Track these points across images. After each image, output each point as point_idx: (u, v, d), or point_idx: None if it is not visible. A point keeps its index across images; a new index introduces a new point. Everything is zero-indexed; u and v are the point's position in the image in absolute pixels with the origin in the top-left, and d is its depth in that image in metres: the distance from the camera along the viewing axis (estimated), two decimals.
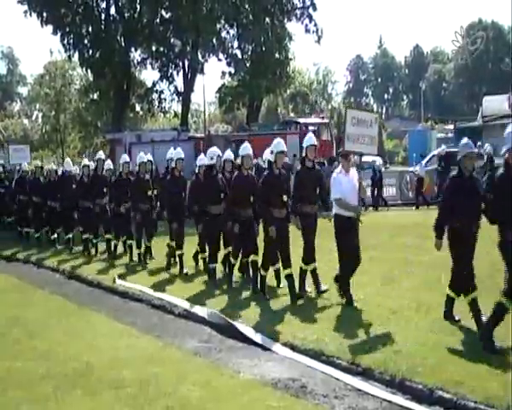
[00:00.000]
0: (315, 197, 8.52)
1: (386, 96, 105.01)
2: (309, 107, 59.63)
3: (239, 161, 9.66)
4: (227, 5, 31.15)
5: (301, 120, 29.73)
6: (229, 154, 10.46)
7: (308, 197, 8.35)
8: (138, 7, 31.71)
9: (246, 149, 9.20)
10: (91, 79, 36.07)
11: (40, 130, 62.07)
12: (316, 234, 8.47)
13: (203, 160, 10.47)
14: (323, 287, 8.44)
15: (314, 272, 8.49)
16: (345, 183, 7.74)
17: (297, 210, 8.38)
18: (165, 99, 34.95)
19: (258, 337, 6.81)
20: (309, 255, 8.40)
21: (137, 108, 37.74)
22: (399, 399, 5.10)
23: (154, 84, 34.89)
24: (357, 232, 7.77)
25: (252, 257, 8.93)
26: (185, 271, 10.58)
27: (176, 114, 37.06)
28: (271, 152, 8.49)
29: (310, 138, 8.51)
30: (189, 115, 39.97)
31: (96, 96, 37.30)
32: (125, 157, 13.19)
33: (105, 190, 13.05)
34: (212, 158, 10.10)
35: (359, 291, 8.03)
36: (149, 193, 12.11)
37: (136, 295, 9.41)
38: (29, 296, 10.10)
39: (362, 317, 7.23)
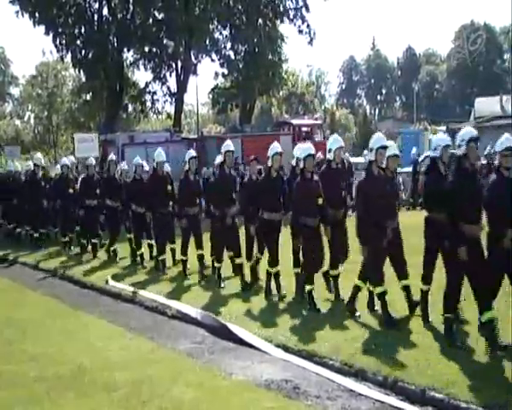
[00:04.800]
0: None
1: (378, 97, 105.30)
2: (303, 108, 59.66)
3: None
4: (220, 6, 31.16)
5: (294, 122, 29.72)
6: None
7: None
8: (131, 8, 31.63)
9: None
10: (84, 79, 35.93)
11: (32, 131, 61.89)
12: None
13: (310, 150, 7.96)
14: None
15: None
16: None
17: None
18: (157, 100, 34.88)
19: (251, 339, 6.81)
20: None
21: (130, 108, 37.64)
22: (392, 399, 5.12)
23: (146, 85, 34.80)
24: None
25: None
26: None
27: (169, 115, 37.00)
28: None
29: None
30: (182, 116, 39.89)
31: (88, 97, 37.18)
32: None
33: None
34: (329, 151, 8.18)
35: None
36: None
37: (129, 297, 9.40)
38: (22, 298, 10.07)
39: (355, 319, 7.24)
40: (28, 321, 8.26)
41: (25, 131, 62.03)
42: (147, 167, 12.56)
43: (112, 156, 13.30)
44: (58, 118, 57.07)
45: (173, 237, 11.33)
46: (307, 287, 7.87)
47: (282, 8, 33.49)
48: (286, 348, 6.45)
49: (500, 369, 5.39)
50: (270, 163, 8.58)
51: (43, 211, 15.17)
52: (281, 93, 47.51)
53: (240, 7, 32.68)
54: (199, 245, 10.28)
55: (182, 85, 33.38)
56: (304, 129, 27.72)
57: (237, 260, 9.51)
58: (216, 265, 9.91)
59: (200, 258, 10.26)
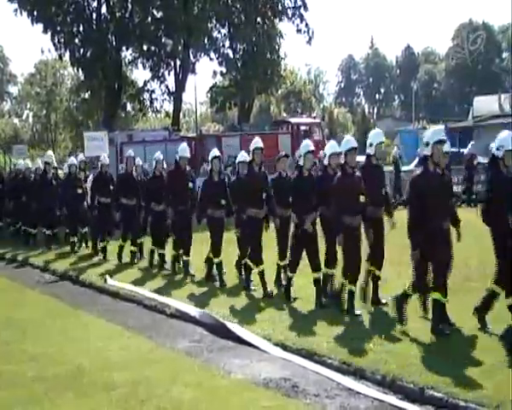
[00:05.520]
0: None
1: (377, 96, 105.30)
2: (302, 106, 59.69)
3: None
4: (218, 5, 31.14)
5: (293, 120, 29.70)
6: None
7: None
8: (129, 6, 31.59)
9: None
10: (82, 78, 35.88)
11: (31, 129, 61.89)
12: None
13: (352, 143, 7.72)
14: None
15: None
16: None
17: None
18: (156, 99, 34.82)
19: (249, 337, 6.81)
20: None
21: (129, 107, 37.62)
22: (391, 398, 5.13)
23: (145, 84, 34.75)
24: None
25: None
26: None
27: (167, 114, 36.97)
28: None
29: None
30: (181, 115, 39.85)
31: (87, 96, 37.11)
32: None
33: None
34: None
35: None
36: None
37: (128, 296, 9.40)
38: (22, 297, 10.06)
39: (353, 317, 7.26)
40: (28, 321, 8.25)
41: (23, 130, 62.06)
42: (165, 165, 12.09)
43: (130, 152, 12.64)
44: (56, 116, 57.07)
45: (188, 248, 10.62)
46: (355, 285, 7.48)
47: (280, 7, 33.48)
48: (284, 347, 6.45)
49: (499, 368, 5.40)
50: (301, 162, 8.17)
51: (53, 211, 14.84)
52: (279, 91, 47.52)
53: (238, 6, 32.66)
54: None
55: (180, 84, 33.34)
56: (302, 127, 27.70)
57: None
58: (256, 269, 8.91)
59: (210, 262, 9.85)
